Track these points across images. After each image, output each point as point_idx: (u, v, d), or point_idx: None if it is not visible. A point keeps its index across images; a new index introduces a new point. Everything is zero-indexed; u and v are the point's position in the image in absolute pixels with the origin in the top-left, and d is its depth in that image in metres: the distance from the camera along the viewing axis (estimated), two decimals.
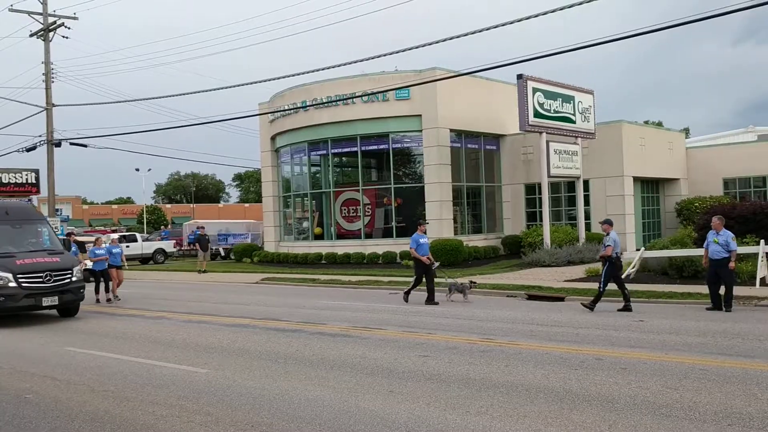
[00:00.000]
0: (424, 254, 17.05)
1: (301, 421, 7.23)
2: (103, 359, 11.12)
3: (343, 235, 31.20)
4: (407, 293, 17.25)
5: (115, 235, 22.17)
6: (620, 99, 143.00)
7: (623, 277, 15.69)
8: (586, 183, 29.23)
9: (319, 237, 32.14)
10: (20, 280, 15.16)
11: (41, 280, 15.43)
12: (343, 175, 34.24)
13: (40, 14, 33.13)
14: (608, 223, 15.29)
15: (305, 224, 33.87)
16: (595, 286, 15.73)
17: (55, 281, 15.61)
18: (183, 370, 9.96)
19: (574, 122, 27.73)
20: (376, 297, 18.98)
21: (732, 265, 14.09)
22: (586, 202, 29.35)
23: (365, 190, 30.49)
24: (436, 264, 17.68)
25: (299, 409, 7.68)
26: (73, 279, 16.08)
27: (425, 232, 17.75)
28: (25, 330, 14.71)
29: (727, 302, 14.01)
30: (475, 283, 17.86)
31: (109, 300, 19.99)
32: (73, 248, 21.91)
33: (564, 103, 27.18)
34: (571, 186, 29.85)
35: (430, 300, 16.64)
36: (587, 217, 29.28)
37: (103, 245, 20.65)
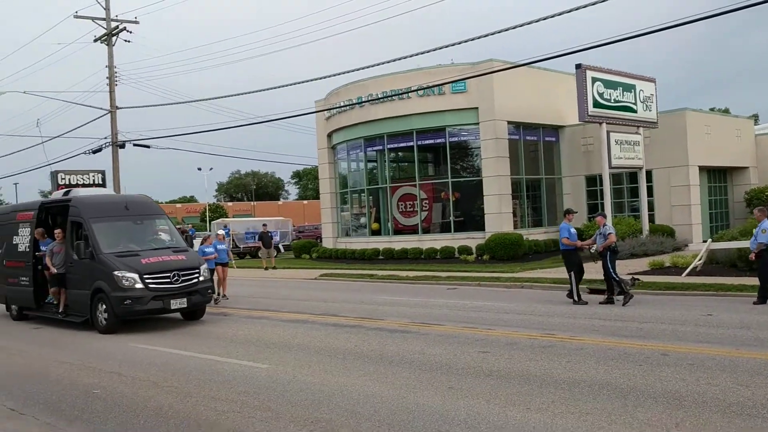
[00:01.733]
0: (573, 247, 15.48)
1: (360, 417, 7.23)
2: (167, 355, 11.37)
3: (400, 230, 31.18)
4: (574, 294, 15.04)
5: (221, 231, 21.00)
6: (683, 87, 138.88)
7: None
8: (648, 173, 28.47)
9: (376, 233, 32.19)
10: (147, 280, 13.74)
11: (169, 280, 13.99)
12: (400, 170, 34.19)
13: (103, 19, 34.03)
14: (602, 215, 15.73)
15: (362, 220, 33.98)
16: (661, 279, 15.34)
17: (183, 282, 14.19)
18: (244, 366, 10.10)
19: (635, 111, 27.02)
20: (435, 292, 18.89)
21: None
22: (650, 193, 28.59)
23: (422, 185, 30.37)
24: (594, 248, 15.66)
25: (358, 405, 7.68)
26: (201, 279, 14.66)
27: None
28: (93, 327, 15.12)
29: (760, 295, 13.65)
30: (638, 279, 15.83)
31: (216, 300, 18.01)
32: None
33: (624, 92, 26.51)
34: (633, 177, 29.12)
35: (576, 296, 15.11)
36: (651, 208, 28.52)
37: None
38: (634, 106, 26.98)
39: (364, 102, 30.44)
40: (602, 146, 25.78)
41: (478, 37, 20.35)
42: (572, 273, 15.13)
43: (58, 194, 17.71)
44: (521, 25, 19.32)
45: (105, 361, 11.17)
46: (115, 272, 13.69)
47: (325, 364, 9.95)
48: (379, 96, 29.68)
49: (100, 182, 48.67)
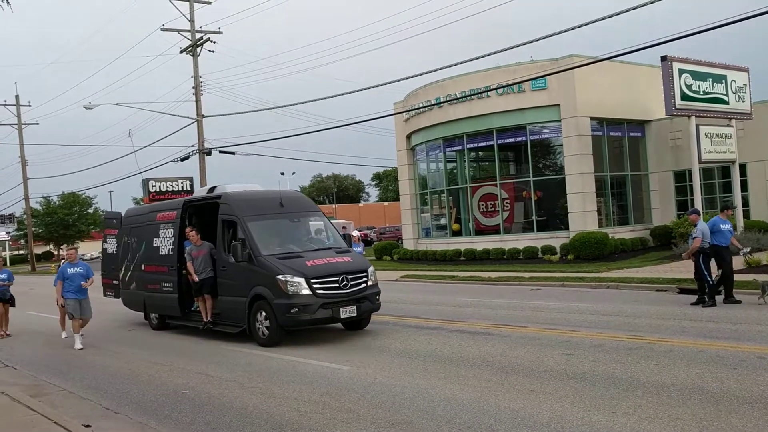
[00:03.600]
0: (725, 243, 14.41)
1: (441, 419, 7.20)
2: (251, 356, 11.65)
3: (481, 230, 30.89)
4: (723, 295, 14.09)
5: (356, 233, 20.33)
6: None
7: None
8: (742, 167, 27.18)
9: (457, 233, 32.01)
10: (314, 286, 12.12)
11: (337, 285, 12.32)
12: (480, 169, 33.89)
13: (188, 31, 35.25)
14: (696, 213, 14.83)
15: (443, 221, 33.86)
16: (758, 277, 14.63)
17: (352, 287, 12.52)
18: (326, 367, 10.23)
19: (726, 103, 25.86)
20: (517, 293, 18.62)
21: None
22: (744, 188, 27.30)
23: (503, 184, 30.00)
24: (746, 250, 14.93)
25: (438, 407, 7.66)
26: (369, 283, 13.00)
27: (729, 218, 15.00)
28: (180, 326, 15.61)
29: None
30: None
31: None
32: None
33: (714, 83, 25.41)
34: (725, 171, 27.89)
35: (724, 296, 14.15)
36: (745, 203, 27.22)
37: None
38: (726, 98, 25.83)
39: (443, 102, 30.34)
40: (691, 140, 24.80)
41: (557, 33, 19.98)
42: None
43: (200, 192, 16.38)
44: (602, 19, 18.84)
45: (194, 361, 11.55)
46: (279, 277, 12.09)
47: (405, 366, 9.96)
48: (458, 96, 29.51)
49: (189, 188, 50.50)
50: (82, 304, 13.99)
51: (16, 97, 60.55)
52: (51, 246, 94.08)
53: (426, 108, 31.64)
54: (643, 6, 17.56)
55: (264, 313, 12.37)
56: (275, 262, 12.42)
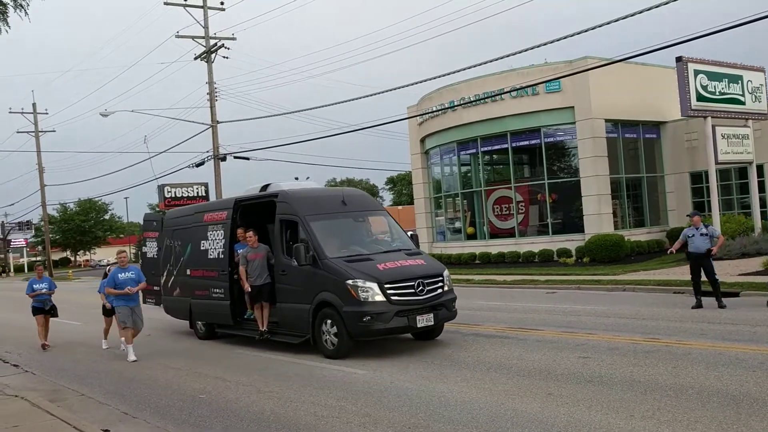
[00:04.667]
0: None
1: (458, 423, 7.19)
2: (267, 360, 11.69)
3: (496, 233, 30.80)
4: None
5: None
6: None
7: None
8: (760, 168, 26.94)
9: (471, 237, 31.94)
10: (389, 291, 11.00)
11: (413, 291, 11.20)
12: (494, 172, 33.82)
13: (203, 38, 35.44)
14: (698, 214, 14.75)
15: (457, 224, 33.80)
16: None
17: (428, 292, 11.39)
18: (342, 372, 10.24)
19: (743, 103, 25.64)
20: (533, 296, 18.56)
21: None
22: (761, 189, 27.05)
23: (517, 187, 29.93)
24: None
25: (455, 411, 7.64)
26: (445, 288, 11.82)
27: None
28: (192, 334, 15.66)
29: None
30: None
31: None
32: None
33: (731, 84, 25.21)
34: (742, 172, 27.66)
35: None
36: (763, 205, 26.97)
37: None
38: (742, 98, 25.62)
39: (457, 106, 30.32)
40: (707, 141, 24.62)
41: (571, 35, 19.91)
42: None
43: (251, 190, 14.92)
44: (616, 20, 18.77)
45: (211, 366, 11.60)
46: (349, 281, 10.99)
47: (421, 369, 9.95)
48: (472, 99, 29.48)
49: (204, 194, 50.82)
50: (135, 312, 12.94)
51: (33, 104, 61.19)
52: (68, 252, 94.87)
53: (440, 111, 31.63)
54: (656, 7, 17.47)
55: (331, 322, 11.25)
56: (344, 266, 11.32)
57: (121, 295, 12.76)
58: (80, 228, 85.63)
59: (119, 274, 12.86)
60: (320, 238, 11.82)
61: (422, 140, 34.66)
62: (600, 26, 19.19)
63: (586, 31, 19.66)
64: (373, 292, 10.93)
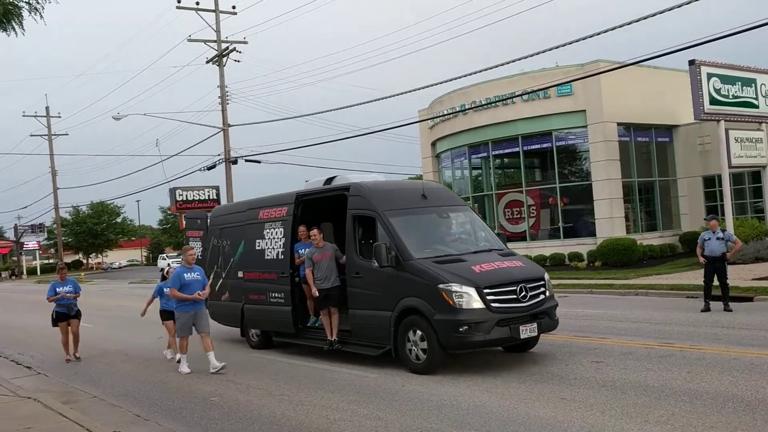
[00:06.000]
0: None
1: (470, 427, 7.16)
2: (278, 364, 11.68)
3: (507, 237, 30.49)
4: None
5: None
6: None
7: None
8: None
9: None
10: (488, 297, 9.65)
11: (515, 297, 9.86)
12: (505, 176, 33.72)
13: (215, 41, 35.59)
14: (714, 218, 14.65)
15: None
16: None
17: (531, 298, 10.05)
18: (353, 374, 10.22)
19: (756, 107, 25.48)
20: None
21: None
22: None
23: (529, 191, 29.83)
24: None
25: (467, 415, 7.61)
26: (547, 294, 10.50)
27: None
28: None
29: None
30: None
31: None
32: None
33: (744, 87, 25.06)
34: (756, 176, 27.47)
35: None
36: None
37: None
38: (755, 101, 25.46)
39: (468, 109, 30.28)
40: (720, 145, 24.46)
41: (583, 38, 19.82)
42: None
43: (312, 183, 13.47)
44: (629, 23, 18.69)
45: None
46: (442, 286, 9.64)
47: (433, 373, 9.91)
48: (483, 102, 29.43)
49: (215, 197, 50.96)
50: (198, 316, 11.38)
51: (47, 108, 61.72)
52: (80, 255, 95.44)
53: (451, 115, 31.59)
54: (670, 10, 17.39)
55: (420, 332, 9.86)
56: (434, 268, 9.97)
57: (187, 300, 11.24)
58: (92, 231, 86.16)
59: (185, 274, 11.34)
60: (403, 235, 10.48)
61: (433, 144, 34.63)
62: (612, 29, 19.12)
63: (597, 34, 19.59)
64: (471, 298, 9.55)
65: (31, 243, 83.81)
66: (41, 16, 9.53)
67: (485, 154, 31.24)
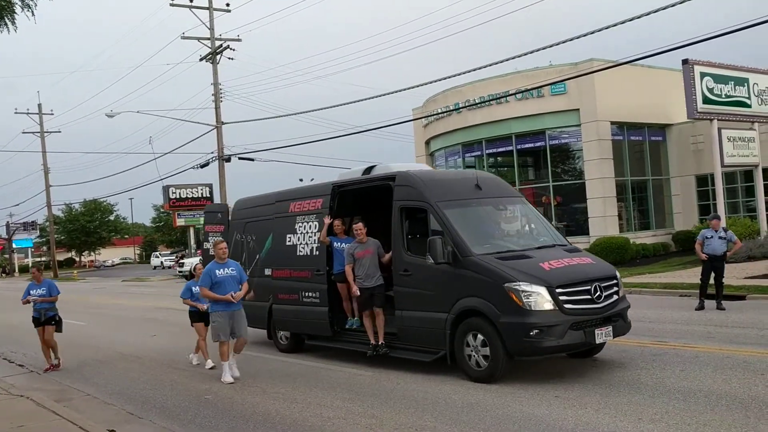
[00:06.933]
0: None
1: (465, 425, 7.17)
2: (273, 362, 11.66)
3: None
4: None
5: None
6: None
7: None
8: (765, 171, 26.87)
9: None
10: (561, 298, 8.74)
11: (590, 297, 8.95)
12: (499, 175, 33.69)
13: (208, 39, 35.52)
14: (717, 218, 14.78)
15: None
16: None
17: (605, 299, 9.14)
18: (348, 373, 10.22)
19: (749, 106, 25.60)
20: None
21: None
22: (767, 192, 26.97)
23: (522, 189, 29.73)
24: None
25: (462, 413, 7.62)
26: (620, 294, 9.68)
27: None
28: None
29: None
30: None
31: None
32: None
33: (737, 87, 25.17)
34: (748, 175, 27.60)
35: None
36: None
37: None
38: (748, 101, 25.59)
39: (462, 108, 30.32)
40: (713, 144, 24.58)
41: (577, 37, 19.88)
42: None
43: (350, 174, 12.39)
44: (622, 22, 18.74)
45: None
46: (509, 285, 8.73)
47: (427, 371, 9.91)
48: (477, 101, 29.47)
49: (208, 195, 50.79)
50: (235, 318, 10.20)
51: (39, 105, 61.44)
52: (73, 253, 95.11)
53: (445, 113, 31.62)
54: (663, 9, 17.44)
55: (481, 337, 8.94)
56: (499, 265, 9.06)
57: (219, 300, 10.09)
58: (85, 228, 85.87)
59: (217, 270, 10.12)
60: (460, 229, 9.56)
61: (427, 142, 34.66)
62: (606, 28, 19.17)
63: (591, 33, 19.64)
64: (542, 299, 8.63)
65: (23, 240, 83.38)
66: (33, 14, 9.48)
67: (479, 153, 31.27)
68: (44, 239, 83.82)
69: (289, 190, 13.09)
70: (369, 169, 11.63)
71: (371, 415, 7.83)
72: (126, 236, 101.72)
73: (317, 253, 11.57)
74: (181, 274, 41.58)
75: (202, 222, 57.88)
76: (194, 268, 12.45)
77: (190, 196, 50.32)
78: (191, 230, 54.10)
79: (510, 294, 8.67)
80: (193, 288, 11.46)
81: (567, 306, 8.73)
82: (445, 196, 10.03)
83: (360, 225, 10.48)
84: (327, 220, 11.28)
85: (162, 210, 74.44)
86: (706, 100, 24.03)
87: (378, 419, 7.63)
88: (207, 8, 35.10)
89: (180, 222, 51.23)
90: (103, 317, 21.69)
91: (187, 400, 9.35)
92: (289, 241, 12.20)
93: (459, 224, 9.61)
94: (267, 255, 12.81)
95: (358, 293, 10.37)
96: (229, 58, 35.86)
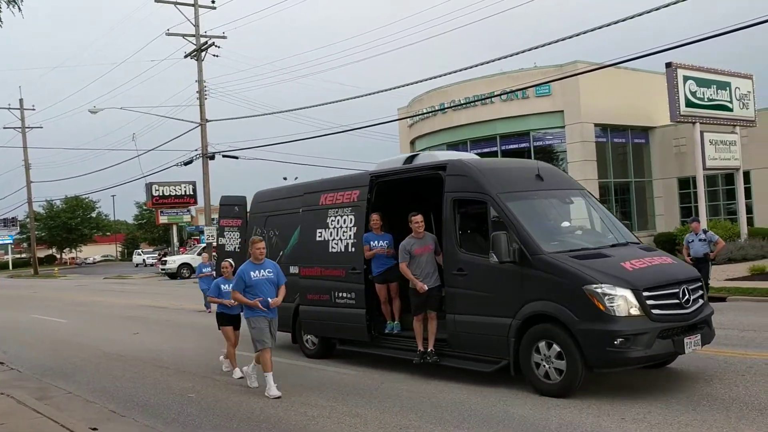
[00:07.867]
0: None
1: (449, 424, 7.19)
2: None
3: None
4: None
5: None
6: None
7: None
8: (746, 174, 27.19)
9: None
10: (648, 302, 7.77)
11: (678, 302, 7.99)
12: None
13: (193, 36, 35.31)
14: (696, 221, 15.26)
15: None
16: (762, 284, 14.64)
17: (692, 303, 8.19)
18: (333, 372, 10.21)
19: (731, 110, 25.88)
20: None
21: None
22: (748, 195, 27.29)
23: None
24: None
25: (446, 412, 7.64)
26: (705, 299, 8.82)
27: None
28: (185, 330, 15.58)
29: None
30: None
31: None
32: None
33: (719, 90, 25.44)
34: (729, 178, 27.91)
35: None
36: (749, 211, 27.21)
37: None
38: (730, 105, 25.86)
39: (447, 108, 30.40)
40: (695, 147, 24.82)
41: (561, 39, 19.97)
42: None
43: (388, 163, 11.30)
44: (607, 25, 18.85)
45: (198, 365, 11.51)
46: (589, 287, 7.72)
47: (412, 371, 9.91)
48: (462, 102, 29.57)
49: (191, 192, 50.48)
50: (273, 326, 9.27)
51: (20, 100, 60.77)
52: (53, 250, 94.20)
53: (430, 114, 31.70)
54: (648, 12, 17.57)
55: (555, 346, 7.92)
56: (575, 264, 8.06)
57: (251, 306, 9.08)
58: (67, 225, 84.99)
59: (252, 272, 9.05)
60: (527, 224, 8.53)
61: (412, 142, 34.70)
62: (591, 30, 19.28)
63: (577, 35, 19.74)
64: (627, 303, 7.65)
65: (3, 237, 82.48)
66: (19, 9, 9.36)
67: None
68: (25, 236, 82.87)
69: (320, 180, 12.15)
70: (411, 158, 10.75)
71: (355, 414, 7.83)
72: (108, 233, 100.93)
73: (353, 249, 10.47)
74: (163, 272, 41.33)
75: (184, 220, 57.65)
76: (222, 266, 11.20)
77: (174, 194, 49.99)
78: (174, 228, 53.81)
79: (591, 297, 7.69)
80: (223, 286, 10.43)
81: (654, 311, 7.77)
82: (507, 188, 9.02)
83: (419, 218, 9.46)
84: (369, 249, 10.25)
85: (145, 207, 73.91)
86: (689, 104, 24.26)
87: (362, 418, 7.63)
88: (192, 5, 34.91)
89: (163, 219, 50.92)
90: (84, 315, 21.50)
91: (170, 398, 9.29)
92: (320, 237, 11.06)
93: (525, 219, 8.60)
94: (292, 251, 11.84)
95: (426, 288, 9.20)
96: (214, 56, 35.67)
